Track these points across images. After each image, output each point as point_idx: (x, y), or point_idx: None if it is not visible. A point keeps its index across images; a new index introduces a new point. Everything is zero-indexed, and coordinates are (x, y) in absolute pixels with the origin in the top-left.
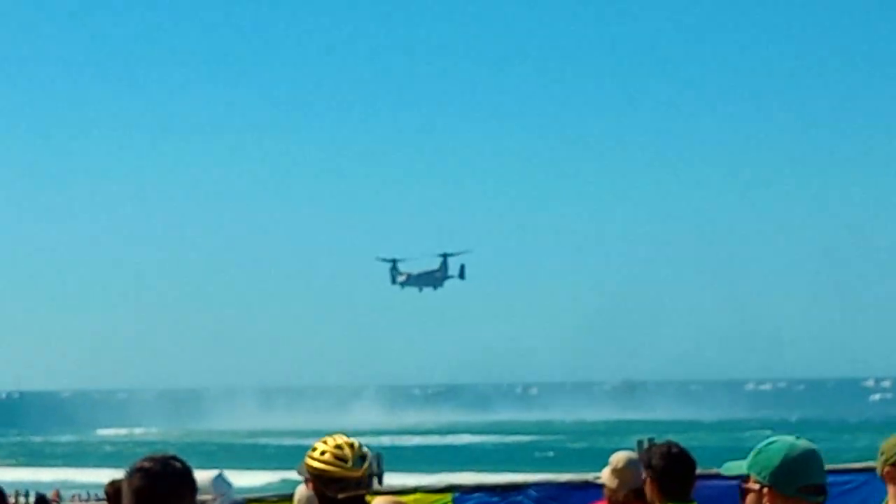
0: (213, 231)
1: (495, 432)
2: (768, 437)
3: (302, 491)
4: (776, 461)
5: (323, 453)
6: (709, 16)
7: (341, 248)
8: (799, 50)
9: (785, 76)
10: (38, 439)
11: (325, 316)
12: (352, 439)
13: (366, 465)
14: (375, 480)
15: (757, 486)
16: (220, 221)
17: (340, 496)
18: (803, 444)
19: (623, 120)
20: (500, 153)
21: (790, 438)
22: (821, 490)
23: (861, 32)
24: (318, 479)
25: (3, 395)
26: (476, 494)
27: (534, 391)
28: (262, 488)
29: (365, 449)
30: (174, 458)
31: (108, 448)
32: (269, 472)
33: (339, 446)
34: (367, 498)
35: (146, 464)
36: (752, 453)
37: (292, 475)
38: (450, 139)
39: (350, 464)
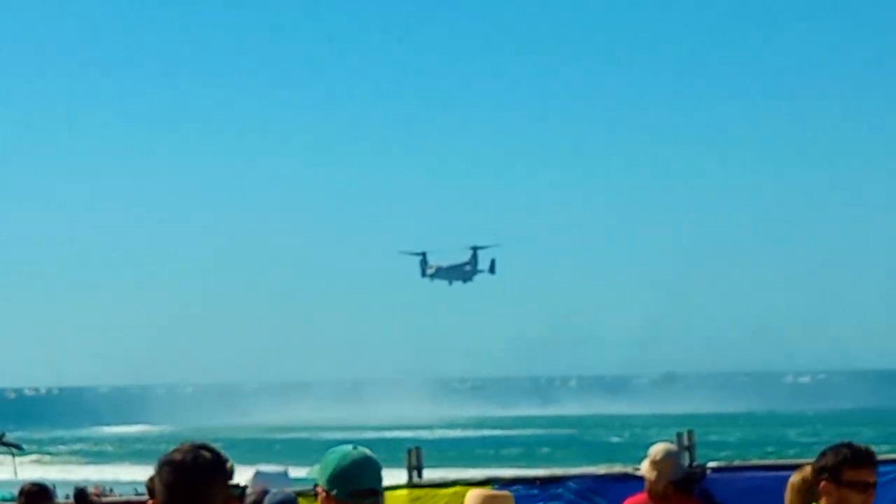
0: (246, 227)
1: (534, 425)
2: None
3: None
4: (331, 469)
5: None
6: None
7: (382, 242)
8: (872, 18)
9: (843, 58)
10: (72, 434)
11: (364, 310)
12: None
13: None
14: (416, 473)
15: (321, 491)
16: (252, 217)
17: None
18: (357, 452)
19: (661, 108)
20: (531, 144)
21: (346, 448)
22: (371, 493)
23: None
24: None
25: (42, 391)
26: (515, 487)
27: (573, 384)
28: (306, 480)
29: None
30: (204, 446)
31: (143, 444)
32: (310, 467)
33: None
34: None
35: (176, 456)
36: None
37: None
38: (481, 129)
39: None
